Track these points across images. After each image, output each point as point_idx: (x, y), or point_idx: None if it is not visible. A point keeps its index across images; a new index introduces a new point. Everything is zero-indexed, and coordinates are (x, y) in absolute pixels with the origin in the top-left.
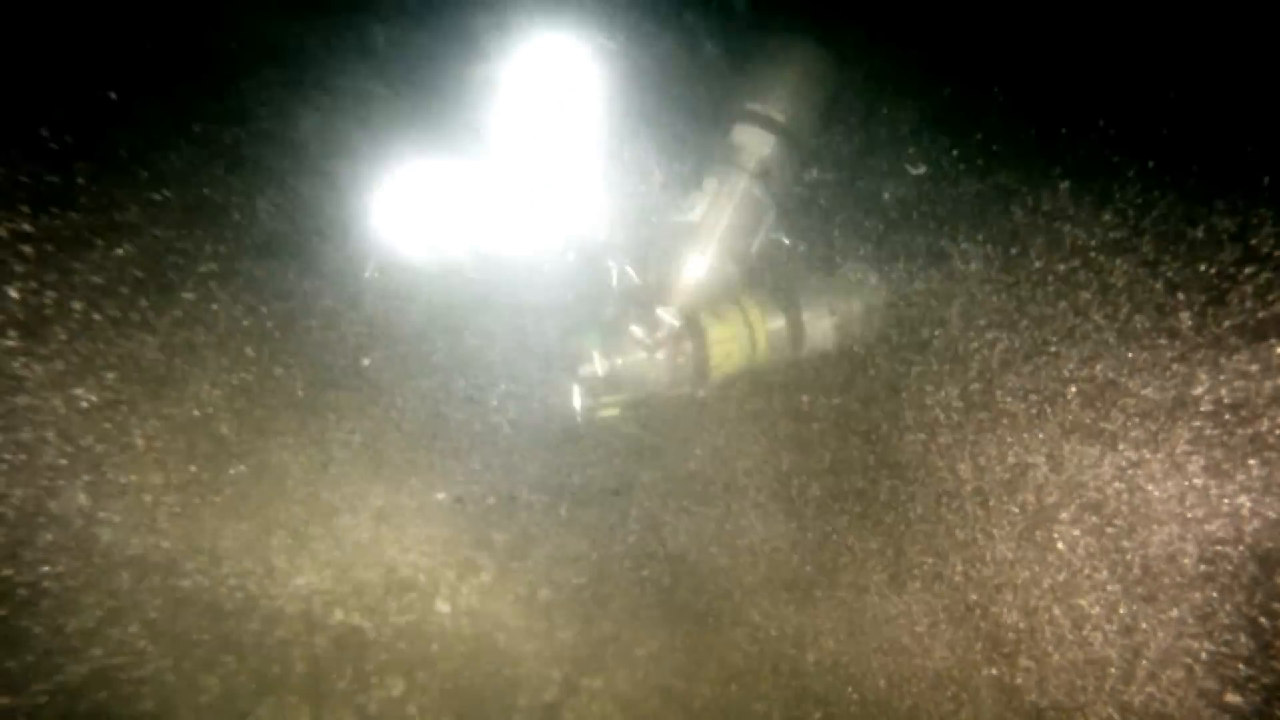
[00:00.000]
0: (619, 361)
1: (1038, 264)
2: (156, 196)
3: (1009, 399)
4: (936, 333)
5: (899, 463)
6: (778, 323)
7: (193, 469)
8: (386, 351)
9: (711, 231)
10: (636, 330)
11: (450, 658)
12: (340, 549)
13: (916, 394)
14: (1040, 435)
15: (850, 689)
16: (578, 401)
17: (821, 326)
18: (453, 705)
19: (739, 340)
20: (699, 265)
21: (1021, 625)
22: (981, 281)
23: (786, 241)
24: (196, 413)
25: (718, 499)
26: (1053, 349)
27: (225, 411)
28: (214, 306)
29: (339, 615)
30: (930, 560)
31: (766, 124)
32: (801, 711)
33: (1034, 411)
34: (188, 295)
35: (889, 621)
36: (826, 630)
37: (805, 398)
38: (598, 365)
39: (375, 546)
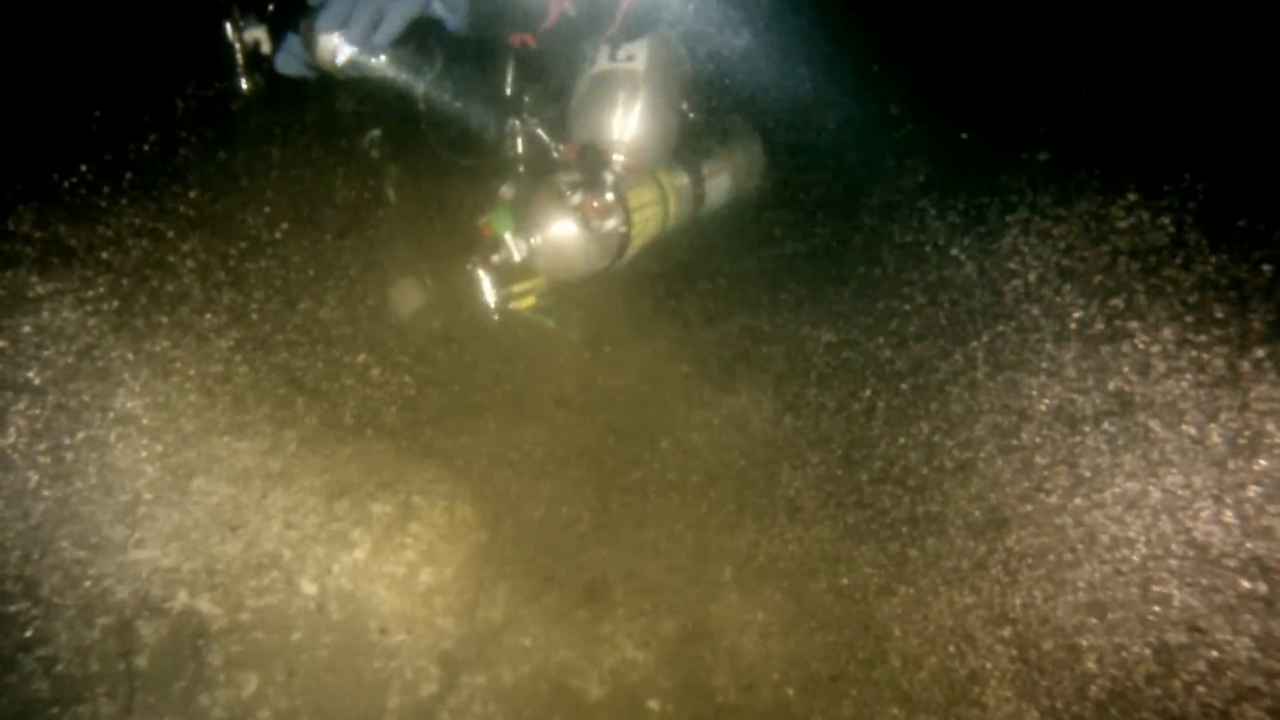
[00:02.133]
0: (537, 240)
1: None
2: None
3: None
4: None
5: None
6: (682, 180)
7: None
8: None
9: (655, 79)
10: (574, 197)
11: (314, 648)
12: (191, 517)
13: None
14: None
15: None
16: (489, 294)
17: (719, 181)
18: (314, 705)
19: (656, 204)
20: (649, 114)
21: None
22: None
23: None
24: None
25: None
26: None
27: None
28: None
29: (182, 597)
30: None
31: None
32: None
33: None
34: None
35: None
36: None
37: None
38: (513, 248)
39: (234, 515)
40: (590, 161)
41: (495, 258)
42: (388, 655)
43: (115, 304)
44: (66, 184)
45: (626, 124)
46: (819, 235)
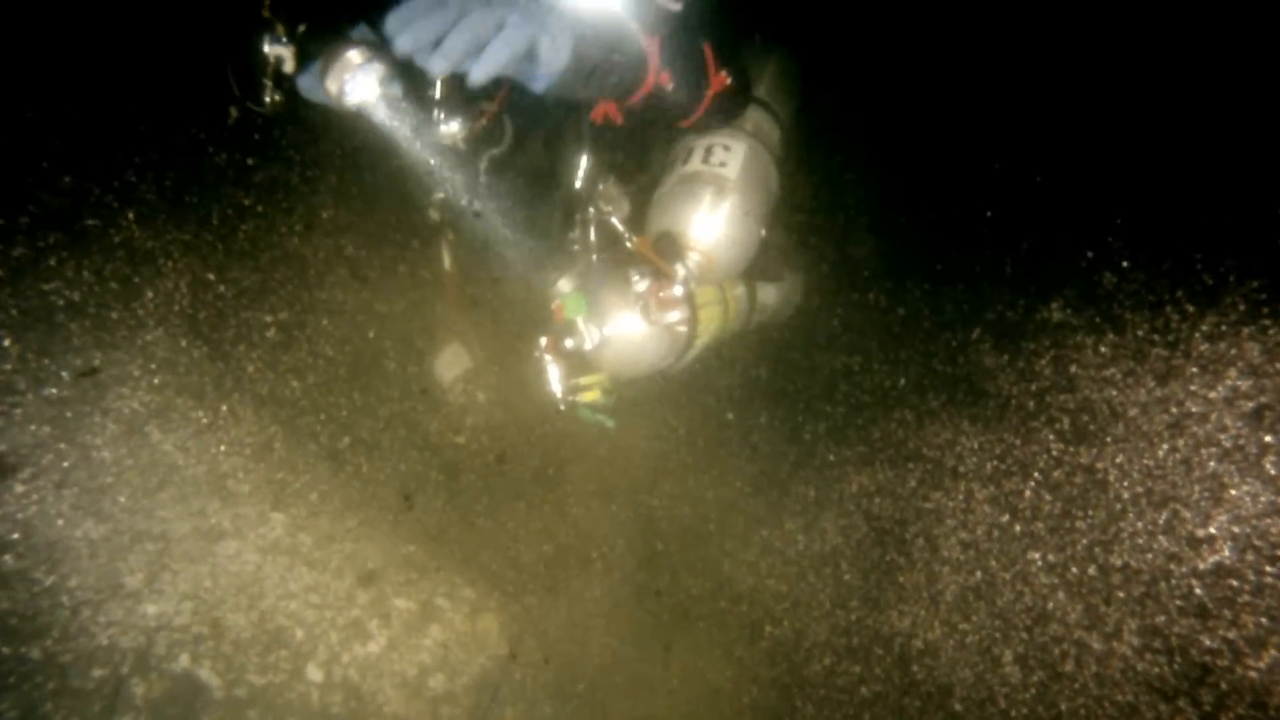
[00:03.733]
0: (607, 332)
1: None
2: None
3: None
4: None
5: None
6: (739, 289)
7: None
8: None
9: (744, 189)
10: (640, 283)
11: None
12: (211, 579)
13: None
14: None
15: None
16: (557, 384)
17: (770, 295)
18: None
19: (715, 306)
20: (733, 222)
21: None
22: None
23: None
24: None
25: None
26: None
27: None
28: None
29: (184, 660)
30: None
31: (771, 114)
32: None
33: None
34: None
35: None
36: None
37: None
38: (585, 334)
39: (254, 585)
40: (666, 250)
41: (569, 343)
42: None
43: (168, 356)
44: (110, 236)
45: (708, 227)
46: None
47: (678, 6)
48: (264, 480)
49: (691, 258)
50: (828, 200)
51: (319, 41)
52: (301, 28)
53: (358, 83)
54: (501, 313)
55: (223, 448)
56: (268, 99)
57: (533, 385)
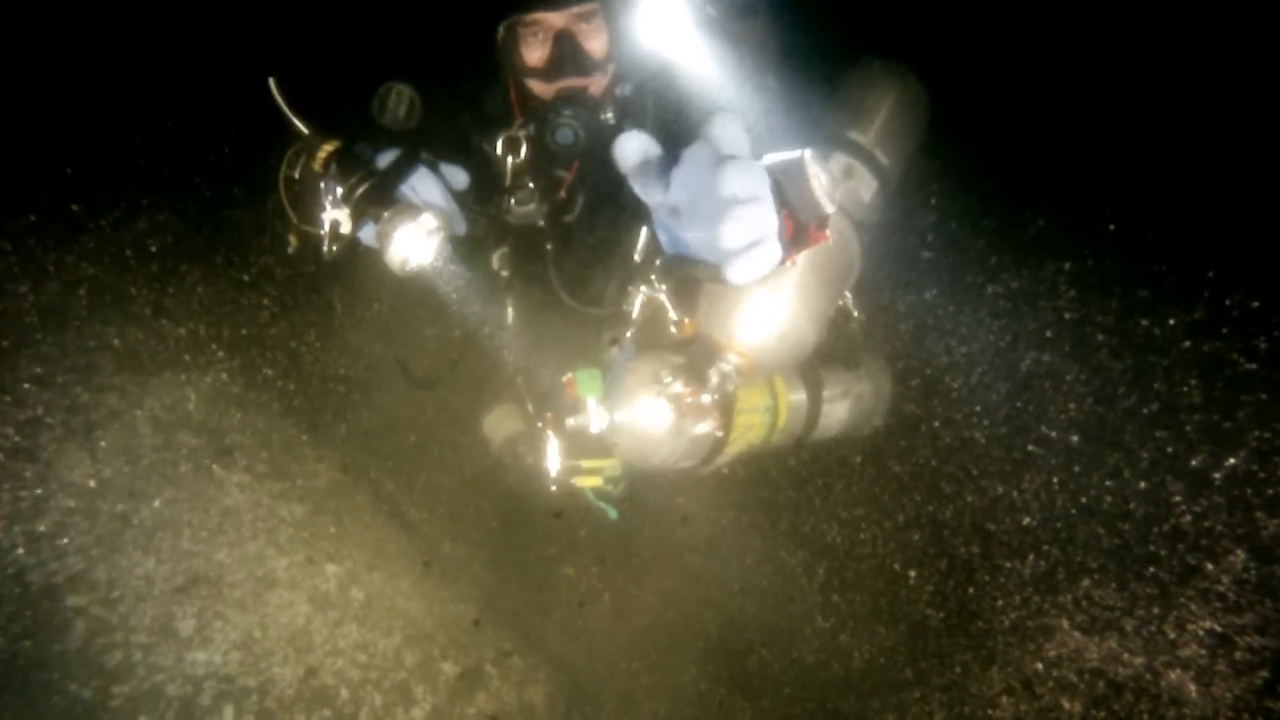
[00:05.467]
0: (622, 416)
1: None
2: None
3: None
4: None
5: None
6: (799, 396)
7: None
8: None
9: (805, 284)
10: (671, 385)
11: None
12: (261, 629)
13: None
14: None
15: None
16: (552, 460)
17: (838, 408)
18: None
19: (761, 412)
20: (785, 320)
21: None
22: None
23: (854, 312)
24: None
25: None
26: None
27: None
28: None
29: (228, 715)
30: None
31: (870, 162)
32: None
33: None
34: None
35: None
36: None
37: None
38: (594, 416)
39: (303, 638)
40: (700, 354)
41: (571, 421)
42: None
43: (237, 396)
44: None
45: (755, 323)
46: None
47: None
48: (321, 530)
49: (728, 361)
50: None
51: (373, 205)
52: (358, 190)
53: (419, 249)
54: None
55: (283, 493)
56: (326, 249)
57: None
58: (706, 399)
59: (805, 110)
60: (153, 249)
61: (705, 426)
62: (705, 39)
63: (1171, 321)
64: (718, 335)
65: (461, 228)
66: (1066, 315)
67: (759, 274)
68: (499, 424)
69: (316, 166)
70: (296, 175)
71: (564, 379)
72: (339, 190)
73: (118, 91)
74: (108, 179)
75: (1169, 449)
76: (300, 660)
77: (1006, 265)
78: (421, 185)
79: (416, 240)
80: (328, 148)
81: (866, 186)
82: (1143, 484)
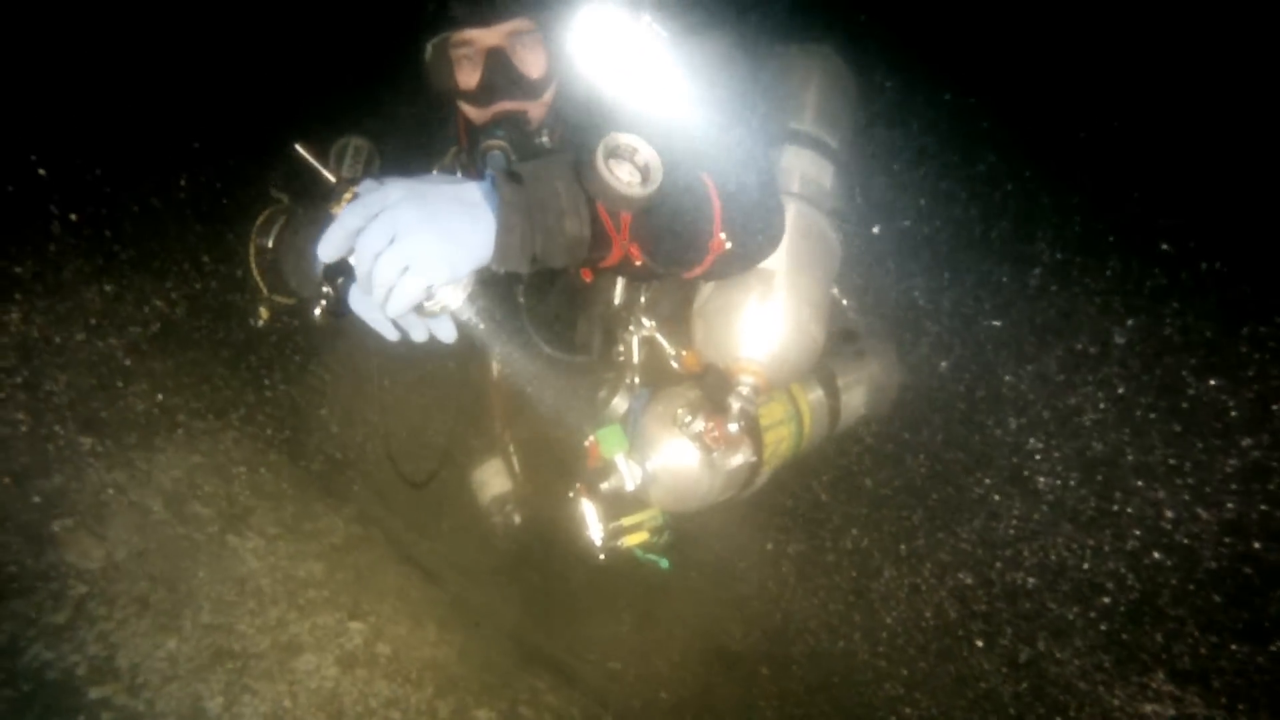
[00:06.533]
0: (652, 466)
1: None
2: None
3: None
4: None
5: None
6: (816, 393)
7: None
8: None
9: (797, 282)
10: (694, 423)
11: None
12: (290, 698)
13: None
14: None
15: None
16: (594, 529)
17: (855, 395)
18: None
19: (787, 422)
20: (788, 325)
21: None
22: None
23: (844, 301)
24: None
25: None
26: None
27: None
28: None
29: None
30: None
31: (821, 148)
32: None
33: None
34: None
35: None
36: None
37: None
38: (626, 474)
39: (334, 702)
40: (714, 385)
41: (605, 485)
42: None
43: (246, 459)
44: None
45: (759, 337)
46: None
47: (647, 190)
48: (340, 587)
49: (744, 383)
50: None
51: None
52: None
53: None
54: (548, 431)
55: (299, 553)
56: (319, 316)
57: (572, 528)
58: (733, 428)
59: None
60: (151, 324)
61: (739, 458)
62: (656, 57)
63: None
64: (725, 359)
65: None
66: None
67: (405, 304)
68: (486, 483)
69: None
70: (269, 244)
71: (586, 443)
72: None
73: (128, 158)
74: (94, 249)
75: None
76: None
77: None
78: None
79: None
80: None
81: (824, 172)
82: None
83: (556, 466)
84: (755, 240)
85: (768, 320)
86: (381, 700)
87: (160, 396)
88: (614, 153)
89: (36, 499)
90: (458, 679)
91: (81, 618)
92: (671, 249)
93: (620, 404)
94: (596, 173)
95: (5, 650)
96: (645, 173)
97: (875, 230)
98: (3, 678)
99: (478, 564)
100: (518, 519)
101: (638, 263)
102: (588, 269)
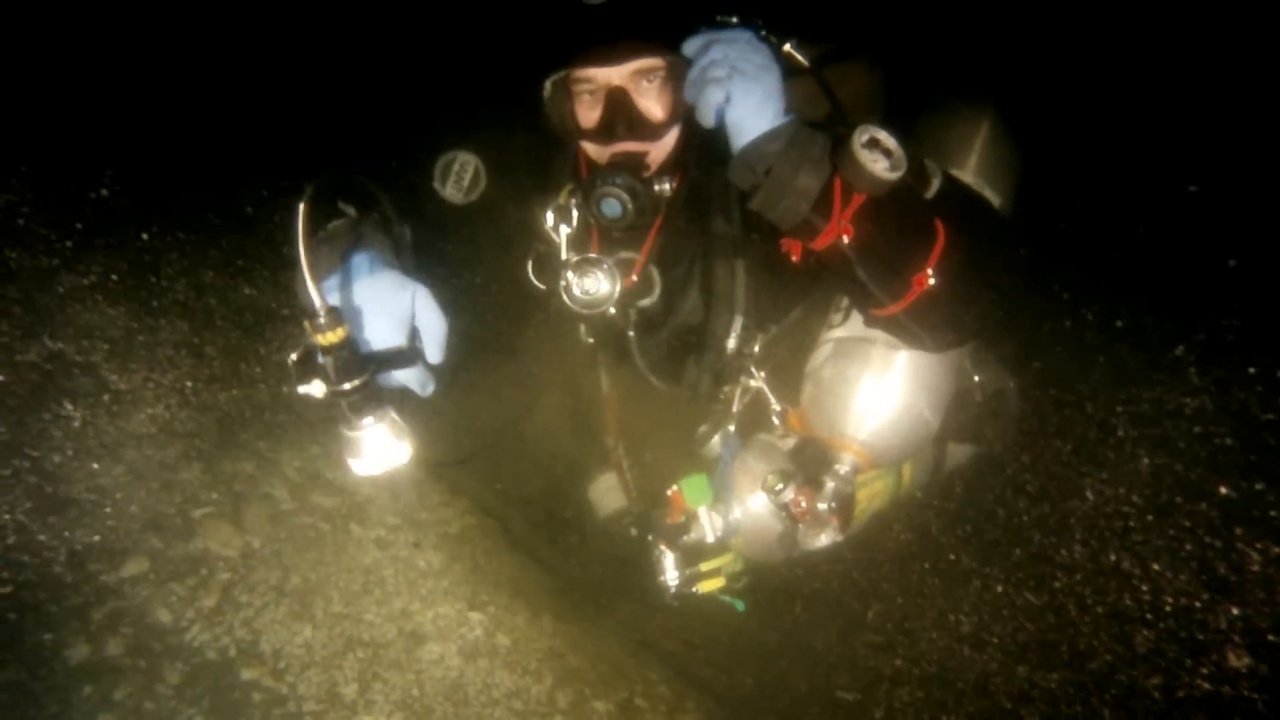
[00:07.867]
0: (735, 516)
1: None
2: None
3: None
4: None
5: None
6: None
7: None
8: None
9: (914, 360)
10: (784, 492)
11: None
12: (419, 687)
13: None
14: None
15: None
16: (671, 574)
17: (964, 454)
18: None
19: (883, 479)
20: (899, 408)
21: None
22: None
23: (977, 395)
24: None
25: None
26: None
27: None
28: None
29: None
30: None
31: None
32: None
33: None
34: None
35: None
36: None
37: None
38: (708, 527)
39: (458, 691)
40: (812, 459)
41: (686, 538)
42: None
43: None
44: None
45: (869, 417)
46: None
47: (894, 174)
48: (460, 578)
49: (845, 462)
50: None
51: (355, 414)
52: (349, 397)
53: (390, 456)
54: (659, 449)
55: (418, 543)
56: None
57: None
58: (823, 508)
59: None
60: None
61: (823, 539)
62: (791, 93)
63: None
64: (829, 431)
65: (430, 386)
66: None
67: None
68: (604, 496)
69: (322, 341)
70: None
71: (670, 492)
72: (330, 375)
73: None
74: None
75: None
76: (459, 715)
77: None
78: (424, 313)
79: (387, 449)
80: (333, 337)
81: None
82: None
83: (663, 483)
84: (964, 308)
85: (881, 401)
86: (504, 691)
87: (285, 388)
88: (868, 143)
89: (180, 490)
90: (575, 671)
91: (228, 603)
92: (882, 256)
93: (718, 444)
94: (850, 146)
95: (170, 629)
96: (894, 162)
97: None
98: (170, 655)
99: (592, 552)
100: (634, 533)
101: (844, 254)
102: (796, 240)
